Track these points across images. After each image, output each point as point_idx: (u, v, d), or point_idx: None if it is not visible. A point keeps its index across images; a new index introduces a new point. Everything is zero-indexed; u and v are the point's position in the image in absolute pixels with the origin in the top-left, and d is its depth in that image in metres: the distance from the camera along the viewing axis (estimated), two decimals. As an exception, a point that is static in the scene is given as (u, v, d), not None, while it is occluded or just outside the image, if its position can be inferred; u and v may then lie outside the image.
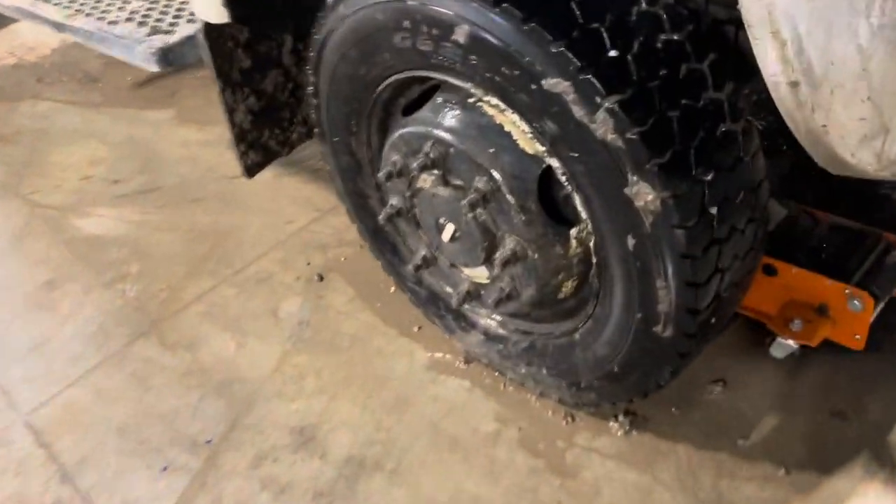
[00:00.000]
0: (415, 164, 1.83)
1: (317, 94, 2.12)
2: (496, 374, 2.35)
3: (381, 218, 2.05)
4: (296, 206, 3.22)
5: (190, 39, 2.40)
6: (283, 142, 2.58)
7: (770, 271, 2.08)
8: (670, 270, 1.57)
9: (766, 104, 1.43)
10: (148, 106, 4.07)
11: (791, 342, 2.07)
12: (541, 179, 1.72)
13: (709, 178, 1.53)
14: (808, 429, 2.08)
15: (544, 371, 2.09)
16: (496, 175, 1.73)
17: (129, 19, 2.58)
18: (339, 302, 2.73)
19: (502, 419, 2.25)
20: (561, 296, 1.90)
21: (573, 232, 1.76)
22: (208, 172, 3.51)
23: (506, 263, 1.81)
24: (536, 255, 1.79)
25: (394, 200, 2.04)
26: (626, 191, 1.52)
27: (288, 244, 3.03)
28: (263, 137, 2.52)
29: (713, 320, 1.71)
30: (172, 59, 2.44)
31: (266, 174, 3.42)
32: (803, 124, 1.30)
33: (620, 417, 2.16)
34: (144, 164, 3.62)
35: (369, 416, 2.31)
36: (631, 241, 1.59)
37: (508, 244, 1.81)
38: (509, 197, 1.73)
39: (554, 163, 1.66)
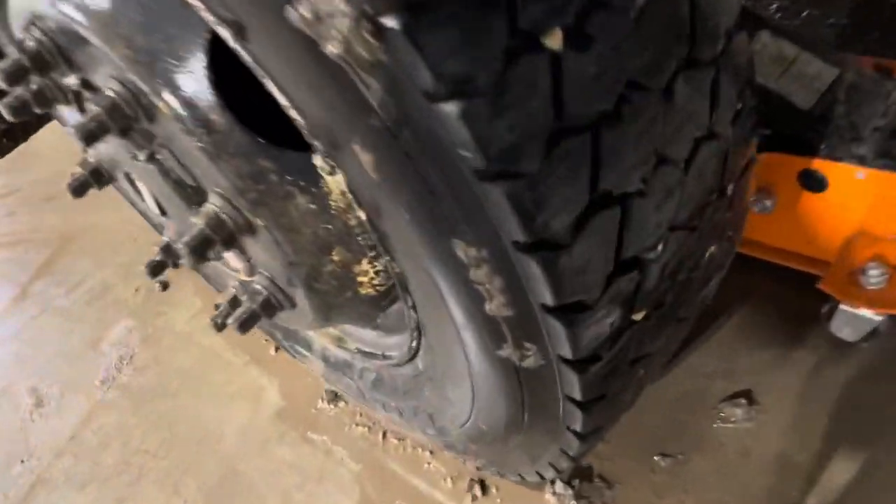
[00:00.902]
0: (4, 67, 0.90)
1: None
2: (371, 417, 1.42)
3: (69, 185, 1.13)
4: (164, 187, 2.36)
5: None
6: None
7: (814, 184, 1.05)
8: (465, 216, 0.60)
9: None
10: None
11: (867, 311, 1.04)
12: (216, 57, 0.77)
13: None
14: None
15: (410, 420, 1.15)
16: (120, 60, 0.78)
17: None
18: (181, 320, 1.87)
19: (371, 497, 1.32)
20: (364, 291, 0.94)
21: (319, 162, 0.80)
22: (75, 162, 2.72)
23: (203, 244, 0.86)
24: (260, 220, 0.83)
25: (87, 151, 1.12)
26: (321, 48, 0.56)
27: (139, 242, 2.19)
28: None
29: (651, 321, 0.71)
30: None
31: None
32: None
33: (558, 486, 1.18)
34: (14, 162, 2.86)
35: (179, 509, 1.44)
36: (365, 156, 0.62)
37: (210, 204, 0.87)
38: (160, 102, 0.79)
39: (208, 17, 0.70)
